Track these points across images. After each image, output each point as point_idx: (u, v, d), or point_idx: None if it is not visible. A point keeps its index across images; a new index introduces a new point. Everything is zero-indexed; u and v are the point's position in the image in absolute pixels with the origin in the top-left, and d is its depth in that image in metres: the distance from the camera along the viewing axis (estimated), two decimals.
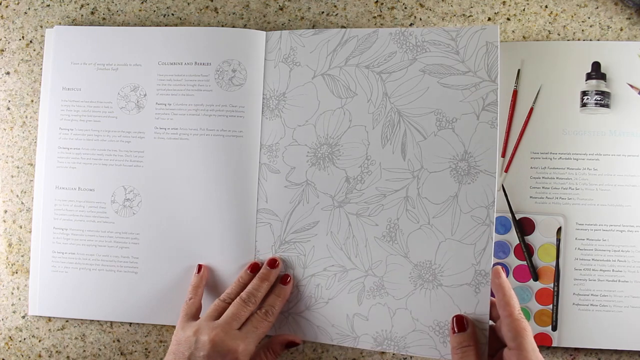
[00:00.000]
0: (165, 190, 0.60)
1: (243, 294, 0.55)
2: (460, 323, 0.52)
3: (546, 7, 0.61)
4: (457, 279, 0.54)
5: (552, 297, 0.58)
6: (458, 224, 0.54)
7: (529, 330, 0.49)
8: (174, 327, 0.61)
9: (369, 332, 0.56)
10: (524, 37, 0.61)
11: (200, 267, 0.59)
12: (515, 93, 0.59)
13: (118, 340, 0.63)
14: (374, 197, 0.56)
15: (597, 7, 0.60)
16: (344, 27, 0.62)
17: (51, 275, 0.61)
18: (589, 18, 0.60)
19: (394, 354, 0.61)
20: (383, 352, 0.61)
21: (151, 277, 0.60)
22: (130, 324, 0.63)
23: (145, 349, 0.63)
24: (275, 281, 0.57)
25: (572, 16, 0.60)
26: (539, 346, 0.49)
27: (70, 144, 0.62)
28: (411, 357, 0.60)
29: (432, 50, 0.56)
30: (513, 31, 0.61)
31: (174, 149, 0.60)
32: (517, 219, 0.59)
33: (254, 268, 0.58)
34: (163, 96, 0.61)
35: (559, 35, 0.60)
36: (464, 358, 0.50)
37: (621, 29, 0.60)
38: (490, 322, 0.53)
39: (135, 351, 0.63)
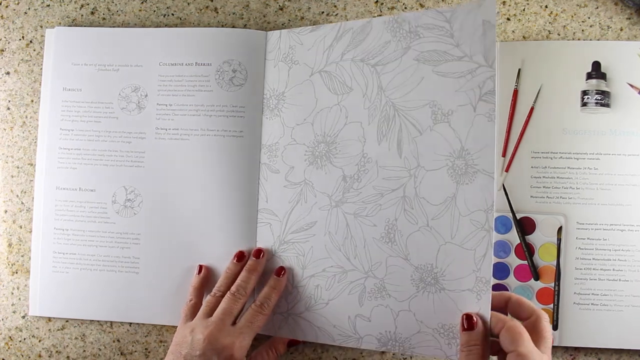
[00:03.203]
0: (166, 190, 0.60)
1: (232, 288, 0.55)
2: (470, 321, 0.51)
3: (546, 7, 0.61)
4: (459, 284, 0.51)
5: (553, 296, 0.58)
6: (457, 227, 0.51)
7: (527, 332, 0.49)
8: (174, 327, 0.61)
9: (372, 332, 0.54)
10: (524, 37, 0.61)
11: (200, 267, 0.59)
12: (515, 93, 0.59)
13: (118, 340, 0.63)
14: (371, 196, 0.55)
15: (597, 7, 0.60)
16: None
17: (51, 276, 0.61)
18: (589, 18, 0.60)
19: (394, 354, 0.60)
20: (383, 352, 0.60)
21: (152, 277, 0.60)
22: (130, 324, 0.63)
23: (145, 349, 0.63)
24: (269, 274, 0.57)
25: (572, 16, 0.60)
26: None
27: (70, 144, 0.62)
28: (411, 358, 0.60)
29: (425, 36, 0.52)
30: (513, 31, 0.61)
31: (174, 149, 0.60)
32: (517, 218, 0.59)
33: (240, 257, 0.58)
34: (164, 97, 0.61)
35: (559, 35, 0.60)
36: (469, 356, 0.50)
37: (621, 29, 0.60)
38: None
39: (135, 351, 0.63)
